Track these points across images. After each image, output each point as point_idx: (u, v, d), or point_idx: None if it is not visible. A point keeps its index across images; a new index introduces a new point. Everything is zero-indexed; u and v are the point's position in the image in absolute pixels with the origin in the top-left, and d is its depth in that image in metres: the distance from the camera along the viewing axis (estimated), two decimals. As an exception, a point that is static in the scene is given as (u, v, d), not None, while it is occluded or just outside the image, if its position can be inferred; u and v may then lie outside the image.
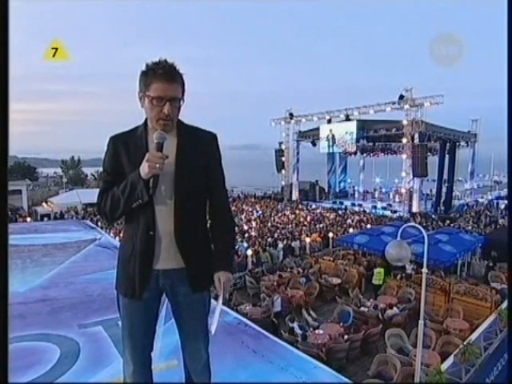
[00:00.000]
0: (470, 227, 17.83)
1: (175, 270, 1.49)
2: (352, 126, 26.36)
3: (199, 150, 1.50)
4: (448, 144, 25.82)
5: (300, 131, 31.06)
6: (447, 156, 25.90)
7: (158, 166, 1.33)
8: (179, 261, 1.49)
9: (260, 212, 23.52)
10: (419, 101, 22.09)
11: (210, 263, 1.54)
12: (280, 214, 22.76)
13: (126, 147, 1.47)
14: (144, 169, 1.34)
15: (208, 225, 1.61)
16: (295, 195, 30.99)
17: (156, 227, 1.45)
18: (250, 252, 11.74)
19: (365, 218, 21.03)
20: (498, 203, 27.15)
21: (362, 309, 8.51)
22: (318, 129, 29.05)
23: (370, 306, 8.61)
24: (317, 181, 32.83)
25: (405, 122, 22.71)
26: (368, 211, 24.67)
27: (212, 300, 1.67)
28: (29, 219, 18.69)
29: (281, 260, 12.89)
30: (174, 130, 1.48)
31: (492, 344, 6.36)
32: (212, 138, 1.56)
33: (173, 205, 1.45)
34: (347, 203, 28.25)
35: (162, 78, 1.34)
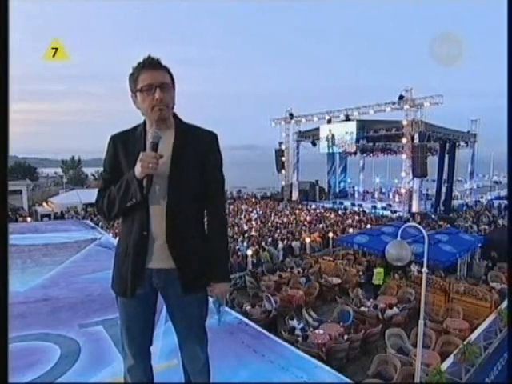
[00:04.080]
0: (474, 227, 17.77)
1: (168, 270, 1.48)
2: (352, 126, 26.32)
3: (196, 149, 1.48)
4: (448, 144, 25.79)
5: (300, 131, 31.03)
6: (447, 156, 25.86)
7: (151, 165, 1.32)
8: (172, 261, 1.48)
9: (260, 212, 23.52)
10: (419, 101, 22.07)
11: (205, 265, 1.54)
12: (280, 214, 22.75)
13: (125, 146, 1.47)
14: (138, 168, 1.34)
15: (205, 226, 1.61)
16: (295, 195, 30.95)
17: (150, 227, 1.45)
18: (250, 252, 11.74)
19: (365, 218, 21.01)
20: (499, 203, 27.08)
21: (362, 309, 8.52)
22: (317, 129, 29.01)
23: (370, 305, 8.61)
24: (317, 181, 32.78)
25: (405, 122, 22.68)
26: (368, 211, 24.64)
27: (210, 300, 1.66)
28: (29, 219, 18.66)
29: (281, 260, 12.90)
30: (172, 128, 1.47)
31: (492, 344, 6.37)
32: (211, 137, 1.53)
33: (165, 205, 1.44)
34: (347, 203, 28.22)
35: (148, 67, 1.38)
